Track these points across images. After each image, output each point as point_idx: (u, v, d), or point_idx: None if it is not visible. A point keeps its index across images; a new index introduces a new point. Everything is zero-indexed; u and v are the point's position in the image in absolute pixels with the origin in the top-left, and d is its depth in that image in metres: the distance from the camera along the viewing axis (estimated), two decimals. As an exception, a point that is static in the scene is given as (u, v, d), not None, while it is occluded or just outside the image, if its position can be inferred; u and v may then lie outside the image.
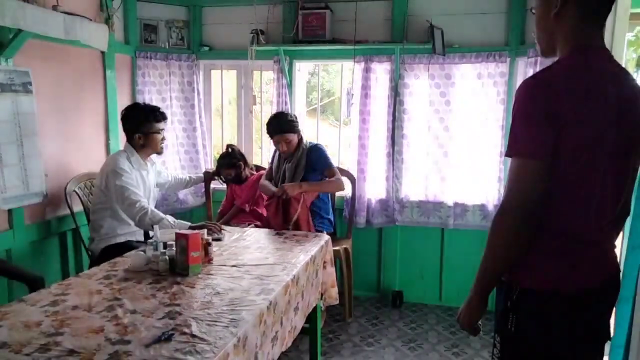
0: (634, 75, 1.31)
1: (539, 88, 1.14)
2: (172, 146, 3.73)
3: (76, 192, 2.88)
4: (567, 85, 1.13)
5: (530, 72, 3.04)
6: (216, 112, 4.14)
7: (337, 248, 2.98)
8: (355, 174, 3.47)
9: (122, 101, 3.46)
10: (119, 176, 2.55)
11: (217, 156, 3.53)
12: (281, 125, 2.97)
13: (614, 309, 2.11)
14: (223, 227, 2.62)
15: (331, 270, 2.59)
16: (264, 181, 3.11)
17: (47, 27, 2.52)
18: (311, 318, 2.36)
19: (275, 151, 3.14)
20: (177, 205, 3.76)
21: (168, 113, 3.35)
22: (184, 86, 3.76)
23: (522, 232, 1.17)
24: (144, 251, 2.06)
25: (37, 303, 1.63)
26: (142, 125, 2.69)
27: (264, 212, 3.29)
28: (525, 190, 1.15)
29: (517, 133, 1.16)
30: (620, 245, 2.16)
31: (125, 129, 2.74)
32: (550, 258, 1.20)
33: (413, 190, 3.49)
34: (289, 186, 2.86)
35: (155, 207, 2.86)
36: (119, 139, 3.41)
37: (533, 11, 1.30)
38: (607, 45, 1.26)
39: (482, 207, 3.37)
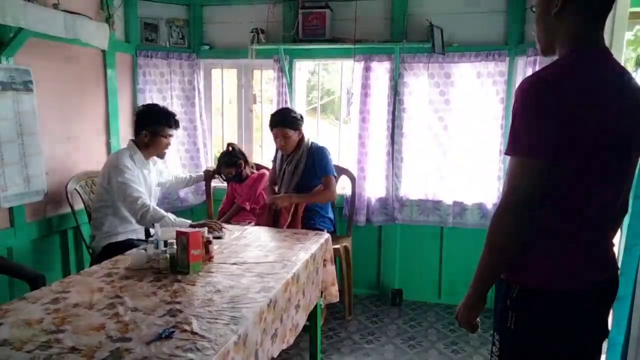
0: (634, 75, 1.31)
1: (539, 87, 1.14)
2: (172, 145, 3.71)
3: (77, 191, 2.89)
4: (567, 84, 1.13)
5: (530, 71, 3.05)
6: (216, 111, 4.15)
7: (337, 246, 2.99)
8: (355, 173, 3.48)
9: (123, 100, 3.47)
10: (121, 173, 2.56)
11: (218, 155, 3.53)
12: (283, 119, 2.97)
13: (613, 307, 2.12)
14: (224, 225, 2.63)
15: (331, 268, 2.59)
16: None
17: (48, 26, 2.53)
18: (311, 316, 2.37)
19: (277, 150, 3.15)
20: (177, 204, 3.76)
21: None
22: (185, 85, 3.77)
23: (521, 231, 1.18)
24: (145, 249, 2.07)
25: (38, 301, 1.64)
26: (154, 124, 2.71)
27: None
28: (524, 189, 1.15)
29: (517, 131, 1.17)
30: (618, 243, 2.16)
31: (136, 125, 2.77)
32: (549, 257, 1.21)
33: (412, 188, 3.50)
34: (279, 198, 2.92)
35: (157, 205, 2.87)
36: (120, 137, 3.42)
37: (533, 9, 1.30)
38: (607, 44, 1.26)
39: (481, 206, 3.38)
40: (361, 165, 3.49)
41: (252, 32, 3.45)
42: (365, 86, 3.43)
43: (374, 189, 3.53)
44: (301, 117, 3.06)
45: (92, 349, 1.31)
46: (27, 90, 2.59)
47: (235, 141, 3.81)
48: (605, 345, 2.27)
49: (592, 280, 1.22)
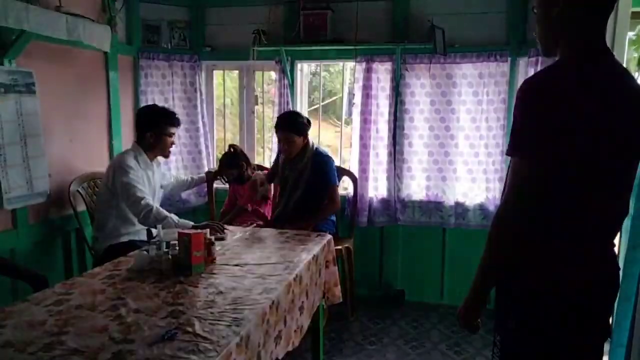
0: (635, 75, 1.31)
1: (538, 88, 1.14)
2: (174, 146, 3.73)
3: (79, 192, 2.89)
4: (568, 85, 1.13)
5: (531, 72, 3.04)
6: (218, 112, 4.15)
7: (339, 247, 2.98)
8: (357, 174, 3.48)
9: (125, 102, 3.48)
10: (125, 173, 2.57)
11: (220, 156, 3.54)
12: (289, 123, 2.97)
13: (614, 308, 2.12)
14: (225, 226, 2.64)
15: (334, 269, 2.59)
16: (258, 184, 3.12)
17: (50, 28, 2.53)
18: (314, 317, 2.37)
19: (279, 153, 3.15)
20: (179, 205, 3.77)
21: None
22: (187, 86, 3.77)
23: (522, 232, 1.18)
24: (147, 251, 2.07)
25: (41, 302, 1.64)
26: (157, 124, 2.72)
27: (267, 212, 3.31)
28: (525, 190, 1.15)
29: (517, 133, 1.17)
30: (619, 244, 2.16)
31: (138, 127, 2.79)
32: (550, 257, 1.20)
33: (414, 189, 3.50)
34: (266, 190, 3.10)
35: (160, 206, 2.87)
36: (122, 139, 3.43)
37: (535, 10, 1.30)
38: (608, 44, 1.26)
39: (483, 207, 3.37)
40: (363, 166, 3.49)
41: (253, 33, 3.45)
42: (366, 87, 3.43)
43: (375, 190, 3.53)
44: (308, 122, 3.05)
45: (94, 351, 1.31)
46: (29, 93, 2.60)
47: (237, 143, 3.81)
48: (609, 346, 2.27)
49: (593, 280, 1.22)
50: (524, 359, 1.27)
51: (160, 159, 2.94)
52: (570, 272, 1.20)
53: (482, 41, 3.30)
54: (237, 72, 3.98)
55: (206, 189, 3.69)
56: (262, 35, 3.44)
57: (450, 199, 3.42)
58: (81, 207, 2.91)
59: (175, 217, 2.51)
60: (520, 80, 3.22)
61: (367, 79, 3.42)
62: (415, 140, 3.44)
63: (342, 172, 3.45)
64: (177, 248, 1.99)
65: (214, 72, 4.00)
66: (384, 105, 3.45)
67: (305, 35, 3.43)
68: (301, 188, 3.00)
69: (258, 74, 3.91)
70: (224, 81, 4.08)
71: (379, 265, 3.69)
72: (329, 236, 2.63)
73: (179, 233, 1.99)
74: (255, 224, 3.06)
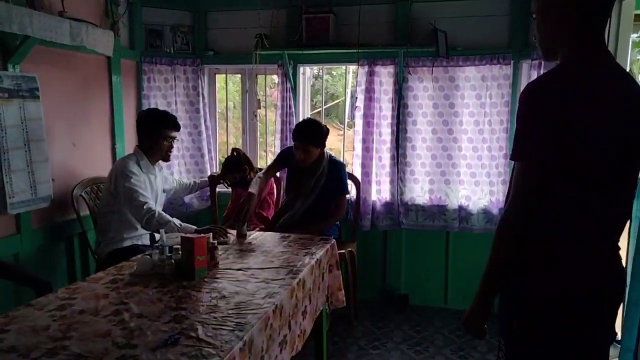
0: (638, 77, 1.31)
1: (541, 92, 1.15)
2: (177, 150, 3.74)
3: (83, 197, 2.90)
4: (569, 89, 1.13)
5: (534, 75, 3.04)
6: (221, 116, 4.16)
7: (342, 251, 2.98)
8: (359, 177, 3.48)
9: (128, 106, 3.49)
10: (127, 178, 2.58)
11: (222, 160, 3.54)
12: (309, 135, 2.93)
13: (623, 312, 2.11)
14: (228, 230, 2.64)
15: (337, 273, 2.58)
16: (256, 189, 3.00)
17: (54, 34, 2.54)
18: (317, 321, 2.36)
19: (288, 148, 3.17)
20: (182, 209, 3.77)
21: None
22: (189, 90, 3.78)
23: (527, 236, 1.17)
24: (150, 255, 2.07)
25: (44, 307, 1.64)
26: (152, 127, 2.73)
27: (269, 216, 3.30)
28: (529, 194, 1.15)
29: (520, 137, 1.17)
30: (626, 248, 2.15)
31: (138, 131, 2.80)
32: (554, 261, 1.20)
33: (417, 193, 3.49)
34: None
35: (162, 211, 2.87)
36: (125, 143, 3.43)
37: (534, 16, 1.31)
38: (612, 47, 1.27)
39: (487, 211, 3.36)
40: (366, 170, 3.49)
41: (256, 37, 3.46)
42: (369, 90, 3.43)
43: (378, 194, 3.53)
44: (327, 132, 3.03)
45: (98, 356, 1.31)
46: (33, 98, 2.61)
47: (239, 146, 3.82)
48: (617, 350, 2.25)
49: (598, 284, 1.21)
50: (529, 364, 1.26)
51: (162, 163, 2.94)
52: (575, 275, 1.19)
53: (485, 44, 3.30)
54: (239, 75, 3.98)
55: (209, 193, 3.68)
56: (265, 39, 3.45)
57: (453, 203, 3.41)
58: (84, 212, 2.91)
59: (177, 222, 2.51)
60: (523, 83, 3.22)
61: (370, 82, 3.42)
62: (418, 143, 3.44)
63: (345, 175, 3.44)
64: (180, 252, 1.99)
65: (217, 76, 4.01)
66: (387, 108, 3.44)
67: (308, 38, 3.44)
68: (314, 196, 3.00)
69: (260, 78, 3.92)
70: (227, 85, 4.09)
71: (382, 269, 3.68)
72: (333, 240, 2.62)
73: (182, 237, 1.99)
74: (258, 228, 3.05)
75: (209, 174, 3.70)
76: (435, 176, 3.44)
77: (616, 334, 1.34)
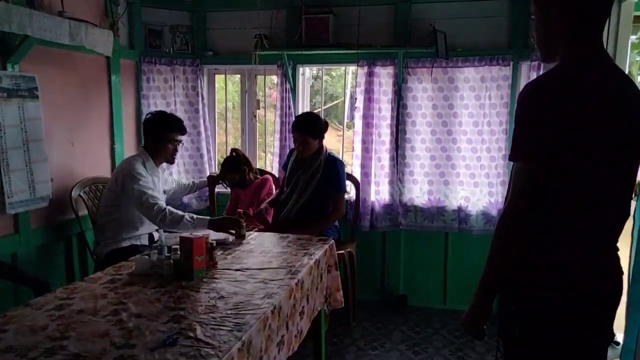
0: (638, 79, 1.32)
1: (540, 93, 1.15)
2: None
3: (81, 197, 2.90)
4: (567, 90, 1.13)
5: (534, 76, 3.05)
6: (220, 117, 4.16)
7: (341, 251, 2.98)
8: (359, 178, 3.48)
9: (127, 106, 3.49)
10: (136, 180, 2.58)
11: (221, 160, 3.54)
12: (307, 125, 3.00)
13: (623, 313, 2.11)
14: (241, 220, 2.60)
15: (336, 274, 2.58)
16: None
17: (53, 33, 2.54)
18: (315, 322, 2.36)
19: (290, 154, 3.19)
20: (181, 209, 3.75)
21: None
22: (188, 91, 3.78)
23: (526, 236, 1.17)
24: (149, 255, 2.07)
25: (42, 307, 1.64)
26: (158, 129, 2.74)
27: (268, 217, 3.30)
28: (528, 194, 1.15)
29: (519, 138, 1.17)
30: (629, 249, 2.15)
31: (144, 132, 2.82)
32: (553, 262, 1.20)
33: (417, 194, 3.49)
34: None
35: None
36: (124, 144, 3.43)
37: (533, 17, 1.31)
38: (611, 48, 1.28)
39: (486, 212, 3.36)
40: (365, 170, 3.49)
41: (255, 37, 3.46)
42: (368, 91, 3.43)
43: (378, 194, 3.52)
44: (325, 125, 3.09)
45: (96, 356, 1.31)
46: (32, 97, 2.61)
47: (238, 147, 3.82)
48: (617, 351, 2.26)
49: (597, 285, 1.22)
50: (527, 364, 1.26)
51: (164, 164, 2.95)
52: (573, 276, 1.19)
53: (484, 45, 3.30)
54: (238, 76, 3.98)
55: (208, 193, 3.69)
56: (264, 39, 3.45)
57: (452, 204, 3.41)
58: (83, 212, 2.91)
59: (188, 217, 2.51)
60: (522, 84, 3.21)
61: (369, 83, 3.42)
62: (417, 144, 3.44)
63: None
64: (179, 252, 1.99)
65: (216, 76, 4.01)
66: (386, 109, 3.45)
67: (307, 39, 3.44)
68: (310, 190, 3.02)
69: (260, 78, 3.92)
70: (226, 85, 4.09)
71: (381, 269, 3.68)
72: (331, 241, 2.62)
73: (181, 237, 1.99)
74: (257, 228, 3.05)
75: (208, 174, 3.70)
76: (435, 177, 3.44)
77: (614, 334, 1.34)
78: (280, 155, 3.60)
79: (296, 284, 1.96)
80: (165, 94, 3.72)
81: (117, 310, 1.61)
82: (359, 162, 3.50)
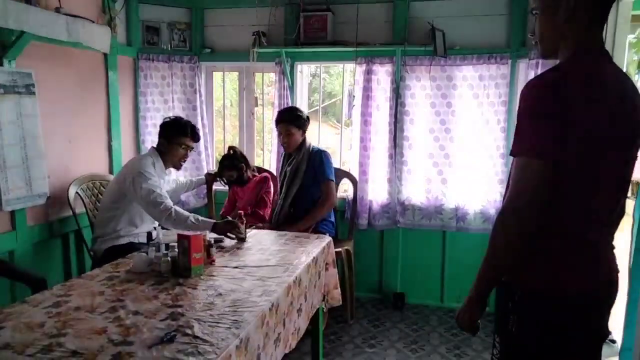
0: (635, 77, 1.33)
1: (545, 88, 1.14)
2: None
3: (78, 194, 2.89)
4: (570, 86, 1.13)
5: (532, 74, 3.05)
6: (218, 114, 4.15)
7: (338, 249, 2.98)
8: (357, 176, 3.47)
9: (124, 103, 3.48)
10: (146, 179, 2.57)
11: (219, 158, 3.53)
12: (289, 116, 3.05)
13: (622, 310, 2.12)
14: (241, 221, 2.59)
15: (333, 271, 2.59)
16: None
17: (50, 29, 2.53)
18: (313, 319, 2.36)
19: (282, 159, 3.22)
20: (179, 207, 3.75)
21: (170, 115, 3.37)
22: (186, 88, 3.77)
23: (525, 232, 1.17)
24: (147, 252, 2.07)
25: (39, 304, 1.63)
26: (171, 132, 2.75)
27: (266, 214, 3.30)
28: (529, 190, 1.15)
29: (521, 133, 1.17)
30: (627, 247, 2.15)
31: (159, 134, 2.81)
32: (551, 259, 1.20)
33: (415, 192, 3.49)
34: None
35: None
36: (121, 141, 3.42)
37: (534, 12, 1.30)
38: (609, 47, 1.28)
39: (484, 210, 3.37)
40: (363, 169, 3.49)
41: (253, 35, 3.45)
42: (367, 89, 3.43)
43: (376, 193, 3.53)
44: (307, 118, 3.13)
45: (93, 353, 1.31)
46: (29, 94, 2.60)
47: (236, 144, 3.81)
48: (614, 349, 2.26)
49: (594, 282, 1.22)
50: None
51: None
52: (570, 273, 1.20)
53: (483, 43, 3.30)
54: (236, 73, 3.98)
55: (206, 191, 3.68)
56: (262, 36, 3.44)
57: (450, 202, 3.42)
58: (80, 209, 2.90)
59: (193, 218, 2.50)
60: (521, 83, 3.23)
61: (367, 81, 3.42)
62: (415, 142, 3.44)
63: (342, 174, 3.44)
64: (177, 250, 1.99)
65: (214, 73, 4.00)
66: (384, 107, 3.44)
67: (306, 37, 3.44)
68: (297, 182, 3.04)
69: (258, 76, 3.91)
70: (224, 82, 4.08)
71: (378, 268, 3.68)
72: (329, 238, 2.62)
73: (179, 235, 1.99)
74: (254, 226, 3.05)
75: (205, 172, 3.69)
76: (432, 175, 3.44)
77: (610, 332, 1.35)
78: (278, 153, 3.60)
79: (294, 281, 1.96)
80: (162, 91, 3.71)
81: (115, 308, 1.61)
82: (357, 160, 3.50)
